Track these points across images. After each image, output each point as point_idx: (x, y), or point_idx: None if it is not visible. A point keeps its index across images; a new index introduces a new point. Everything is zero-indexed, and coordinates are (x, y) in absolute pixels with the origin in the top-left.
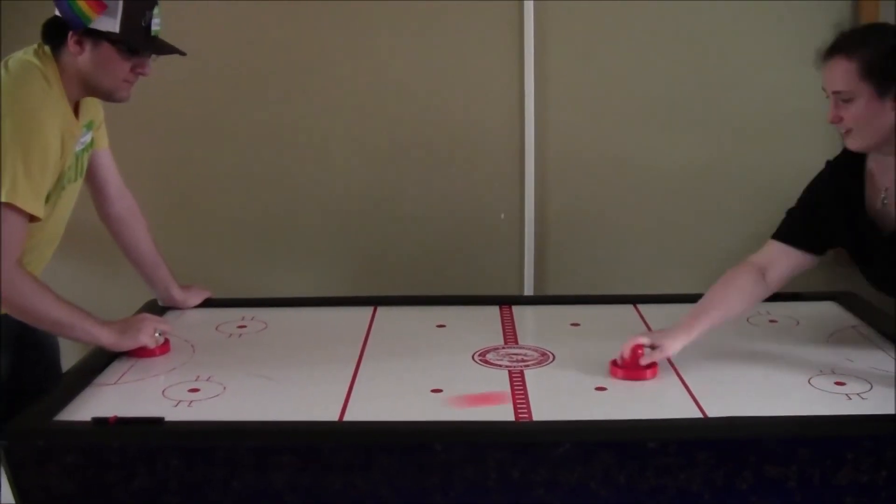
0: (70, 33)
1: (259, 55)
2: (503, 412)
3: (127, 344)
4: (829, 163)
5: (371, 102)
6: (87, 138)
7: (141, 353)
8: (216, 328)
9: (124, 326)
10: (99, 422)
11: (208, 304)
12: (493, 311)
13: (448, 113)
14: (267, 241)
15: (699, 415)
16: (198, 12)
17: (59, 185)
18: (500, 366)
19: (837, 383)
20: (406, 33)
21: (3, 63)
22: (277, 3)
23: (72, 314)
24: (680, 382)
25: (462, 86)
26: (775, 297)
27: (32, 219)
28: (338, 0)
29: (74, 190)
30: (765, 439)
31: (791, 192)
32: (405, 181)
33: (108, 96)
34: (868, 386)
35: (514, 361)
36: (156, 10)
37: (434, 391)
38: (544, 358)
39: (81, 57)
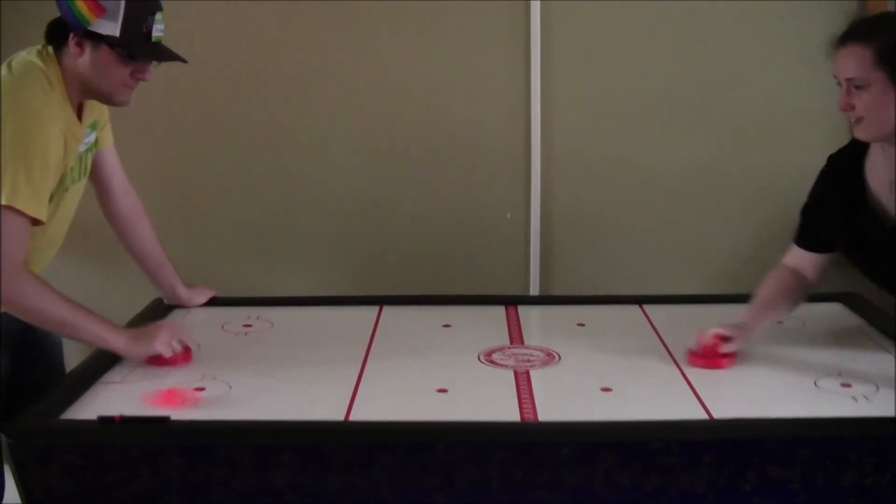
0: (71, 35)
1: (259, 55)
2: (508, 413)
3: (140, 351)
4: (830, 157)
5: (378, 103)
6: (91, 138)
7: (159, 360)
8: (222, 327)
9: (139, 333)
10: (105, 420)
11: (214, 302)
12: (499, 311)
13: (452, 113)
14: (268, 241)
15: (705, 416)
16: (197, 13)
17: (61, 185)
18: (506, 366)
19: (844, 385)
20: (408, 33)
21: (5, 63)
22: (277, 4)
23: (82, 317)
24: (685, 383)
25: (466, 86)
26: None
27: (35, 222)
28: (338, 0)
29: (78, 190)
30: (768, 440)
31: (796, 192)
32: (410, 182)
33: (107, 100)
34: (874, 387)
35: (520, 361)
36: (158, 16)
37: (440, 391)
38: (550, 358)
39: (81, 59)
